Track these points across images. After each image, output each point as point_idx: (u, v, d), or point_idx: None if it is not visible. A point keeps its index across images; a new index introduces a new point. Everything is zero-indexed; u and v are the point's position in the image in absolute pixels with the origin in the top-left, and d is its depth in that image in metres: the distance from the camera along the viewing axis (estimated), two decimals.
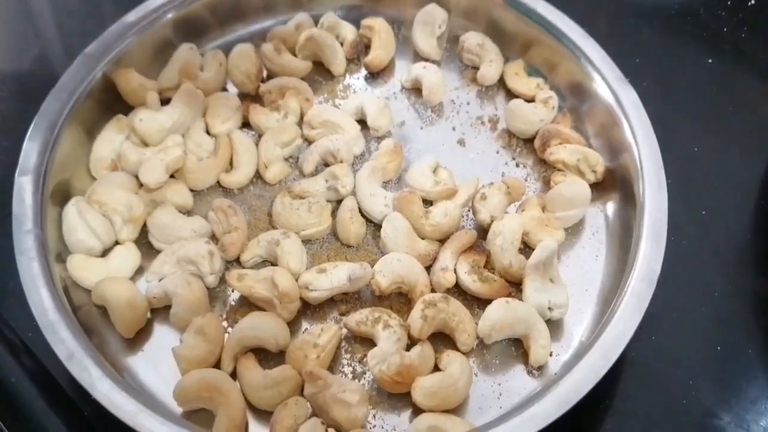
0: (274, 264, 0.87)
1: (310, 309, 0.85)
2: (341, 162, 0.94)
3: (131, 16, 1.02)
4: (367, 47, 1.09)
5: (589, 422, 0.81)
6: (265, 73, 1.06)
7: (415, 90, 1.06)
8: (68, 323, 0.75)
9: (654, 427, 0.82)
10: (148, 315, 0.83)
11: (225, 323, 0.84)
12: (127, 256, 0.87)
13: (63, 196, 0.89)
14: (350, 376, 0.80)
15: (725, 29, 1.20)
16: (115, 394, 0.71)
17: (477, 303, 0.85)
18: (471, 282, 0.84)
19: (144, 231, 0.89)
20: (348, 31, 1.10)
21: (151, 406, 0.71)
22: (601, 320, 0.81)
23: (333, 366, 0.81)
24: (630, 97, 0.95)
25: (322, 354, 0.78)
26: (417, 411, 0.77)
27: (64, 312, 0.77)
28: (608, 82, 0.97)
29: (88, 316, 0.83)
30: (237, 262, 0.88)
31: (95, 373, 0.72)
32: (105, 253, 0.87)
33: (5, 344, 0.76)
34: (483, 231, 0.90)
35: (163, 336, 0.83)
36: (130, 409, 0.70)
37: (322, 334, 0.79)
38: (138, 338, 0.82)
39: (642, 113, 0.93)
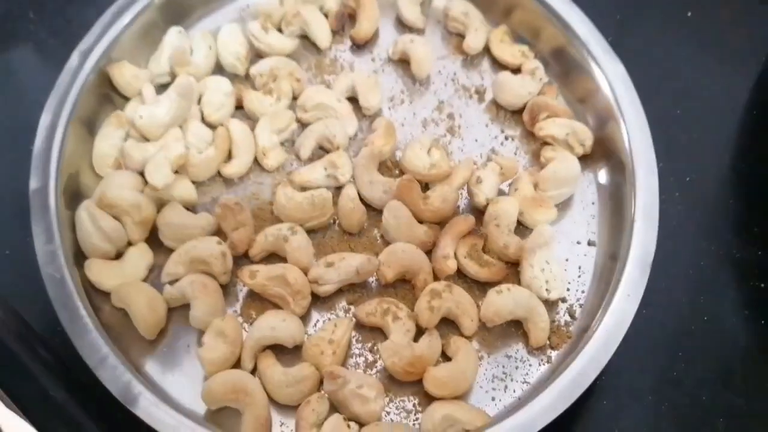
0: (280, 255, 0.91)
1: (319, 299, 0.89)
2: (337, 148, 0.96)
3: (119, 3, 1.02)
4: (351, 17, 1.10)
5: (588, 399, 0.87)
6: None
7: (402, 62, 1.07)
8: (106, 341, 0.81)
9: (648, 399, 0.88)
10: None
11: (240, 318, 0.88)
12: (141, 256, 0.90)
13: (73, 196, 0.91)
14: (362, 364, 0.85)
15: None
16: (154, 409, 0.76)
17: (477, 286, 0.90)
18: (471, 266, 0.89)
19: (153, 228, 0.92)
20: (331, 2, 1.09)
21: (190, 419, 0.77)
22: (598, 301, 0.86)
23: (345, 355, 0.86)
24: (617, 70, 0.98)
25: (337, 350, 0.83)
26: (427, 395, 0.82)
27: (99, 327, 0.81)
28: (593, 54, 0.99)
29: (109, 317, 0.86)
30: (245, 256, 0.91)
31: (136, 389, 0.77)
32: (118, 254, 0.90)
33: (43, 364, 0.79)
34: (479, 212, 0.94)
35: (179, 335, 0.87)
36: (170, 422, 0.76)
37: (336, 329, 0.84)
38: (158, 338, 0.86)
39: (630, 87, 0.97)
